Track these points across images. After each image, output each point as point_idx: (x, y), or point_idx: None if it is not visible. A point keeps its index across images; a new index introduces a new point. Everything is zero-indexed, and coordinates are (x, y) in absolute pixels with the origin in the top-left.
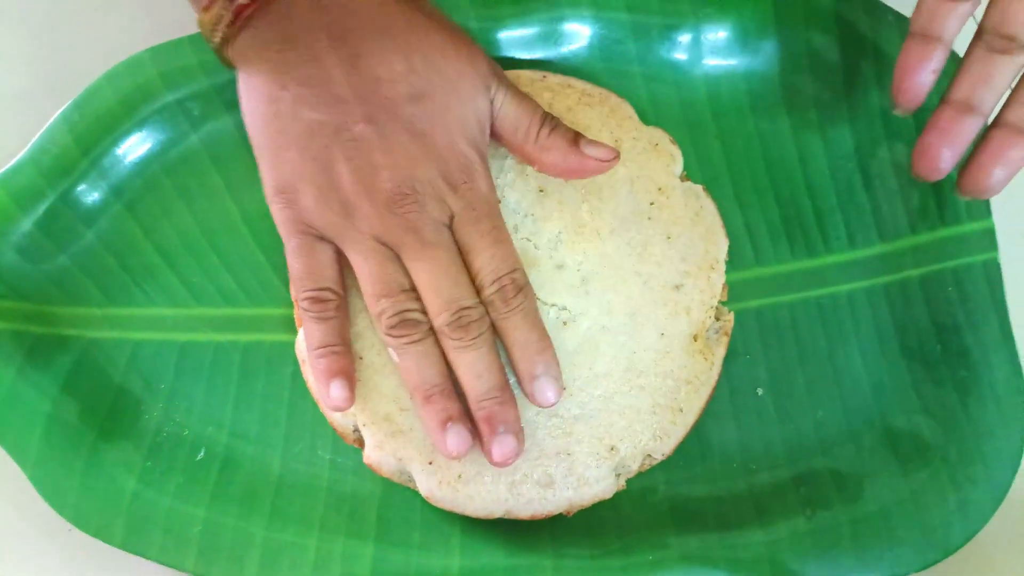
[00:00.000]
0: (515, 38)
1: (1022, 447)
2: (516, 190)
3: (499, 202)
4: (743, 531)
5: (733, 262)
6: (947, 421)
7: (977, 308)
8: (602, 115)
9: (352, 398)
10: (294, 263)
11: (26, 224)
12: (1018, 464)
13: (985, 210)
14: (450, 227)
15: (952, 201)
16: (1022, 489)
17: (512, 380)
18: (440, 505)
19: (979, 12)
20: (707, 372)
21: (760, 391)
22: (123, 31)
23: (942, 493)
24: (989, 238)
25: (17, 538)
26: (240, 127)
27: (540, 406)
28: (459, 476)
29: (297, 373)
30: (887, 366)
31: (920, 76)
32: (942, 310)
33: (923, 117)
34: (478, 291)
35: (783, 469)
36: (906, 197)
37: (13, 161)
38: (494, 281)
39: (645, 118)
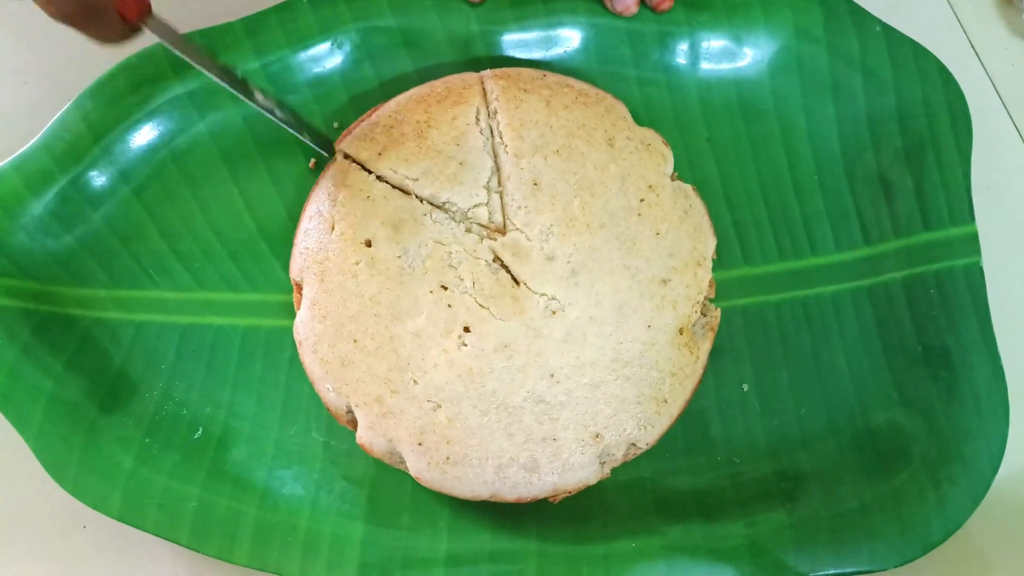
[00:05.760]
0: (516, 41)
1: (1002, 447)
2: (512, 182)
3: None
4: (724, 522)
5: (721, 261)
6: (928, 421)
7: (958, 311)
8: (597, 114)
9: None
10: None
11: (37, 207)
12: (998, 464)
13: (968, 216)
14: None
15: (935, 207)
16: (1007, 487)
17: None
18: (429, 486)
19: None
20: (692, 365)
21: (745, 387)
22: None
23: (921, 491)
24: (972, 243)
25: (36, 535)
26: (247, 119)
27: None
28: (447, 458)
29: (294, 357)
30: (869, 366)
31: None
32: (924, 312)
33: (907, 123)
34: None
35: (765, 463)
36: (891, 202)
37: (26, 146)
38: None
39: (639, 119)
